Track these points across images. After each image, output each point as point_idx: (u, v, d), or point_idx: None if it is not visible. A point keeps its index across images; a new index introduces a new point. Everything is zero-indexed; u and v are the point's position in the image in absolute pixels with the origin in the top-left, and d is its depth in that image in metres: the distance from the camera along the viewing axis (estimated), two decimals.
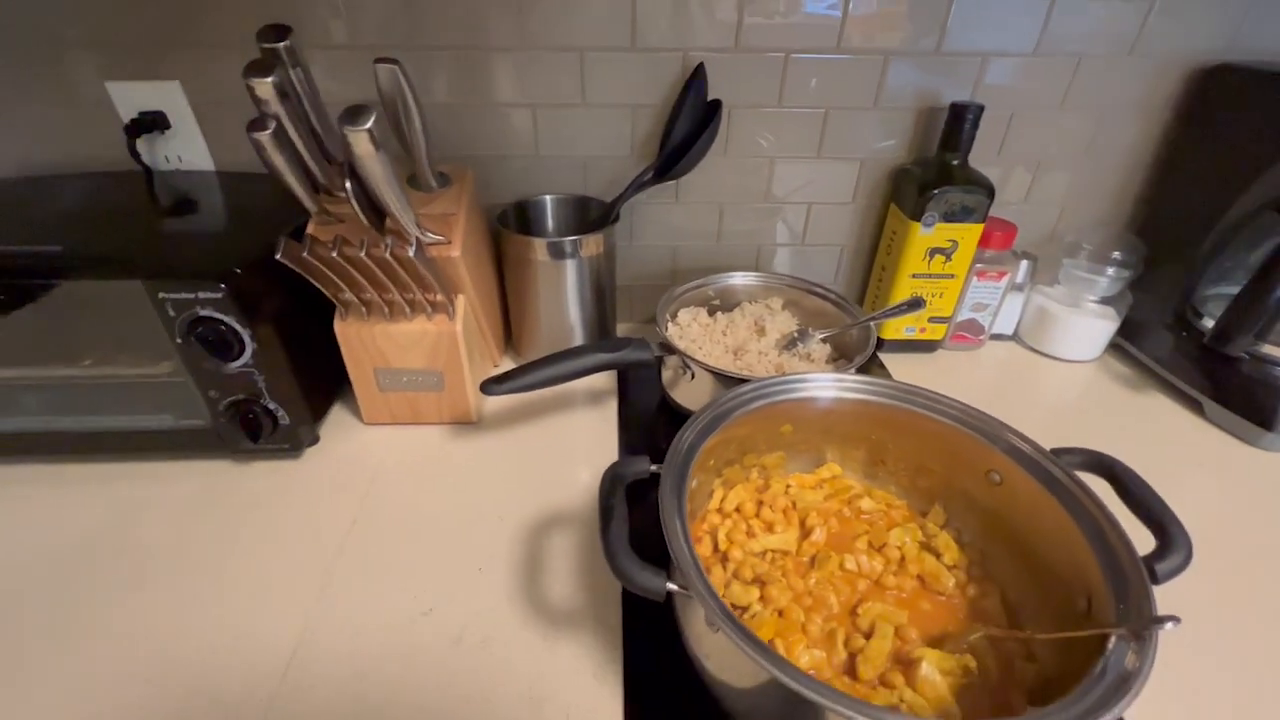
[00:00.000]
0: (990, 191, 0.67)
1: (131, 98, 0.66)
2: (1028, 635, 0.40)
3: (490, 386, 0.55)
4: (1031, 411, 0.68)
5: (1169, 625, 0.30)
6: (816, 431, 0.53)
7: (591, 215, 0.73)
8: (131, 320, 0.51)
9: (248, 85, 0.44)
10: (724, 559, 0.48)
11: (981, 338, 0.79)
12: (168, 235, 0.58)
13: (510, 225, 0.69)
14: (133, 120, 0.66)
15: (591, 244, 0.67)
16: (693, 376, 0.61)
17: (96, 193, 0.64)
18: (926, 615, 0.45)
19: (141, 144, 0.67)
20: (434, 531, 0.54)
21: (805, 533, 0.50)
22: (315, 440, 0.62)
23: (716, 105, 0.67)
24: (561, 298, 0.69)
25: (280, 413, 0.56)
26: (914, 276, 0.72)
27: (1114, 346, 0.79)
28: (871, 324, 0.64)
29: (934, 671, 0.39)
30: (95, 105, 0.67)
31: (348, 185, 0.47)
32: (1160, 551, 0.37)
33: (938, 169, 0.68)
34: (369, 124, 0.43)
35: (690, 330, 0.69)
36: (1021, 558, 0.45)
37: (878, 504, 0.52)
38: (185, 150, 0.70)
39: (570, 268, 0.68)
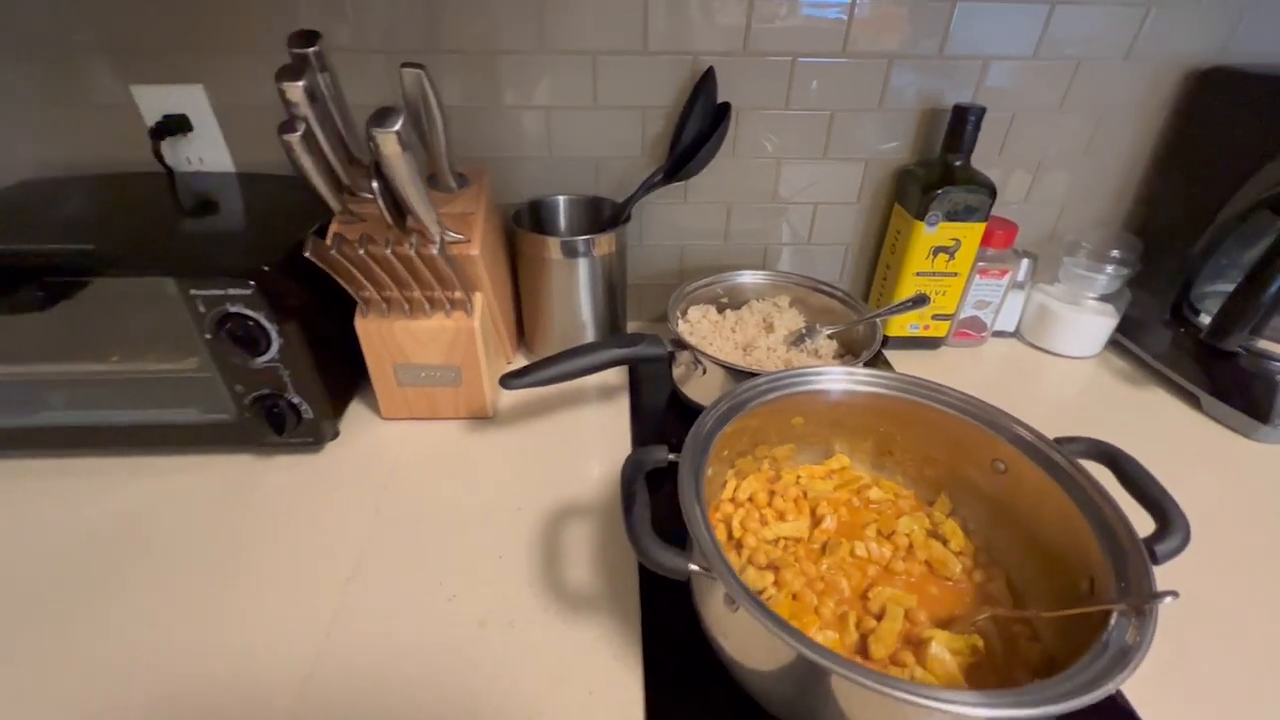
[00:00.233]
0: (992, 191, 0.69)
1: (155, 101, 0.68)
2: (1033, 614, 0.42)
3: (509, 381, 0.57)
4: (1034, 406, 0.70)
5: (1168, 600, 0.32)
6: (826, 424, 0.55)
7: (603, 215, 0.75)
8: (160, 317, 0.53)
9: (279, 89, 0.46)
10: (738, 546, 0.49)
11: (984, 335, 0.81)
12: (195, 234, 0.60)
13: (525, 224, 0.70)
14: (157, 123, 0.67)
15: (604, 243, 0.69)
16: (704, 372, 0.63)
17: (121, 193, 0.66)
18: (934, 599, 0.46)
19: (164, 146, 0.69)
20: (454, 521, 0.55)
21: (816, 521, 0.51)
22: (336, 435, 0.64)
23: (726, 108, 0.68)
24: (574, 295, 0.71)
25: (304, 407, 0.58)
26: (918, 275, 0.74)
27: (1113, 343, 0.80)
28: (877, 320, 0.66)
29: (943, 651, 0.41)
30: (116, 108, 0.69)
31: (374, 185, 0.49)
32: (1159, 533, 0.39)
33: (941, 169, 0.70)
34: (397, 126, 0.44)
35: (700, 327, 0.70)
36: (1026, 543, 0.46)
37: (886, 494, 0.54)
38: (206, 152, 0.71)
39: (583, 266, 0.69)
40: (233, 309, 0.51)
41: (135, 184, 0.68)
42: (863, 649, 0.42)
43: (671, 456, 0.44)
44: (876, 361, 0.76)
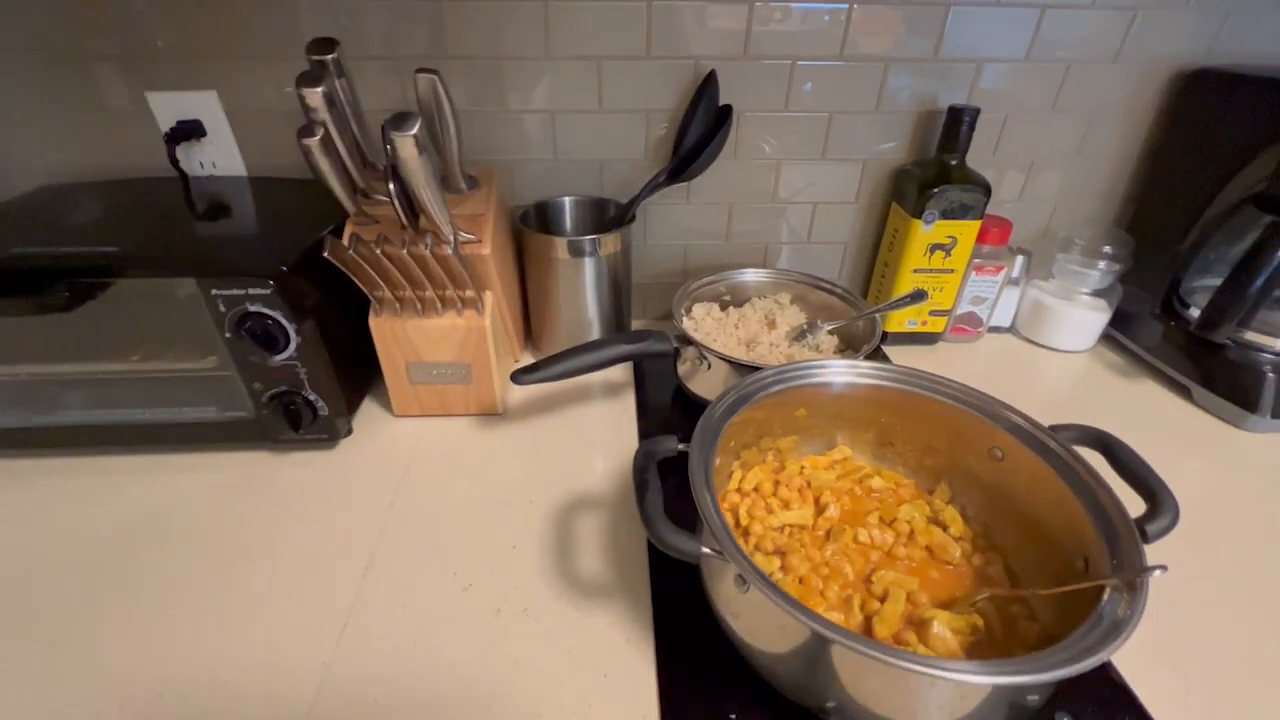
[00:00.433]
0: (987, 190, 0.71)
1: (170, 107, 0.70)
2: (1030, 593, 0.44)
3: (520, 376, 0.59)
4: (1029, 399, 0.71)
5: (1157, 573, 0.34)
6: (828, 416, 0.57)
7: (608, 216, 0.77)
8: (180, 317, 0.55)
9: (299, 94, 0.47)
10: (745, 534, 0.51)
11: (980, 330, 0.83)
12: (214, 236, 0.62)
13: (532, 225, 0.72)
14: (172, 129, 0.69)
15: (609, 243, 0.70)
16: (709, 367, 0.64)
17: (138, 198, 0.67)
18: (935, 582, 0.48)
19: (179, 151, 0.70)
20: (467, 514, 0.57)
21: (820, 509, 0.53)
22: (349, 431, 0.65)
23: (727, 110, 0.70)
24: (580, 294, 0.73)
25: (320, 403, 0.59)
26: (915, 272, 0.76)
27: (1106, 337, 0.82)
28: (876, 316, 0.68)
29: (945, 630, 0.42)
30: (131, 115, 0.70)
31: (390, 186, 0.51)
32: (1150, 514, 0.40)
33: (937, 169, 0.72)
34: (414, 130, 0.46)
35: (704, 324, 0.72)
36: (1023, 527, 0.48)
37: (887, 483, 0.56)
38: (220, 157, 0.73)
39: (589, 265, 0.71)
40: (252, 308, 0.53)
41: (151, 188, 0.70)
42: (867, 629, 0.44)
43: (681, 446, 0.46)
44: (876, 357, 0.77)
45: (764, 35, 0.69)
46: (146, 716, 0.41)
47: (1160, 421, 0.70)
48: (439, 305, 0.61)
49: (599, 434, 0.67)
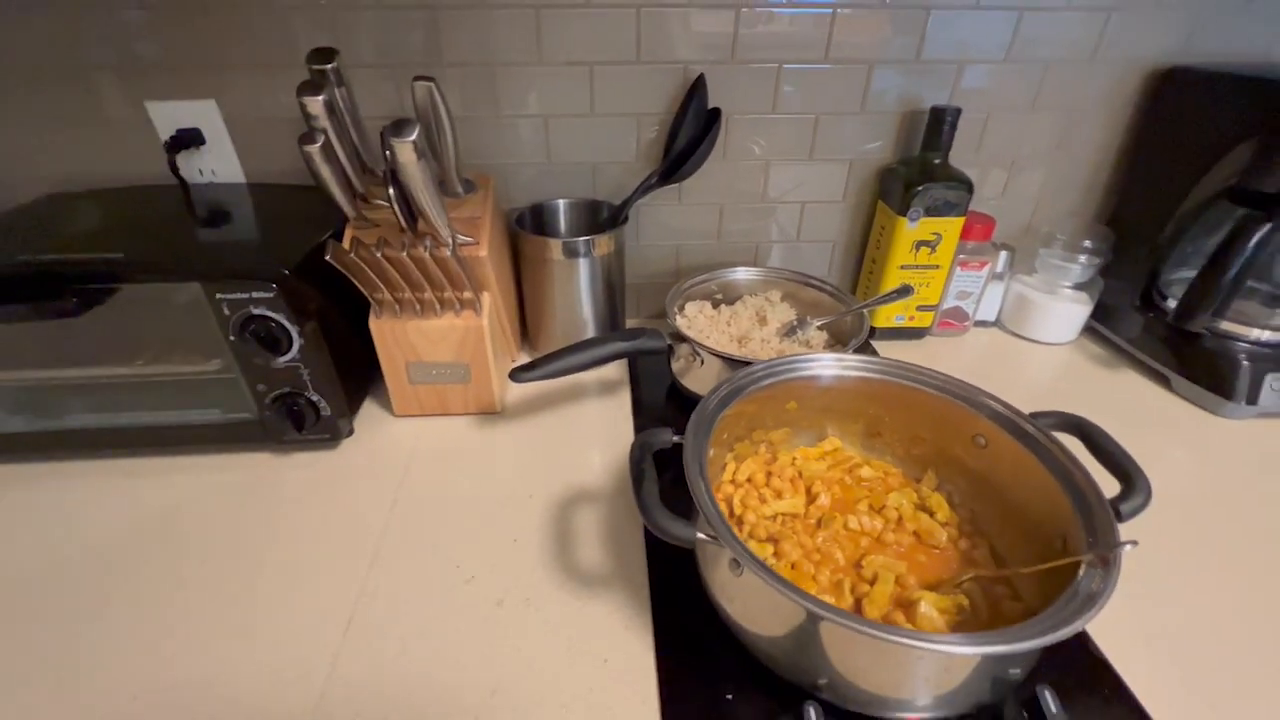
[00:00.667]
0: (969, 187, 0.73)
1: (169, 116, 0.71)
2: (1011, 572, 0.45)
3: (519, 374, 0.60)
4: (1015, 390, 0.72)
5: (1128, 547, 0.36)
6: (818, 408, 0.58)
7: (602, 217, 0.78)
8: (186, 321, 0.56)
9: (300, 102, 0.49)
10: (739, 523, 0.52)
11: (966, 324, 0.85)
12: (217, 242, 0.63)
13: (527, 227, 0.74)
14: (171, 137, 0.70)
15: (603, 243, 0.72)
16: (702, 363, 0.66)
17: (140, 206, 0.69)
18: (923, 566, 0.50)
19: (178, 159, 0.71)
20: (469, 509, 0.58)
21: (811, 498, 0.55)
22: (351, 432, 0.66)
23: (716, 113, 0.72)
24: (575, 294, 0.74)
25: (322, 404, 0.61)
26: (902, 268, 0.78)
27: (1088, 329, 0.84)
28: (864, 311, 0.70)
29: (932, 610, 0.44)
30: (130, 124, 0.71)
31: (389, 191, 0.52)
32: (1124, 494, 0.42)
33: (921, 167, 0.74)
34: (413, 135, 0.47)
35: (697, 321, 0.74)
36: (1007, 512, 0.50)
37: (876, 472, 0.57)
38: (219, 164, 0.74)
39: (583, 266, 0.73)
40: (256, 311, 0.54)
41: (152, 196, 0.71)
42: (857, 611, 0.45)
43: (676, 438, 0.47)
44: (864, 351, 0.79)
45: (751, 39, 0.71)
46: (160, 709, 0.43)
47: (1141, 410, 0.72)
48: (438, 306, 0.62)
49: (596, 431, 0.69)
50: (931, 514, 0.53)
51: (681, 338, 0.66)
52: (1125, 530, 0.39)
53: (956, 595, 0.46)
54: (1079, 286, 0.82)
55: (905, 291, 0.71)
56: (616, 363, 0.79)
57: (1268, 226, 0.62)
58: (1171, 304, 0.74)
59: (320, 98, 0.49)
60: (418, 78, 0.53)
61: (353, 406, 0.67)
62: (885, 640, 0.33)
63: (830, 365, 0.55)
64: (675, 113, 0.74)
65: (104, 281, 0.53)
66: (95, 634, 0.47)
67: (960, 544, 0.51)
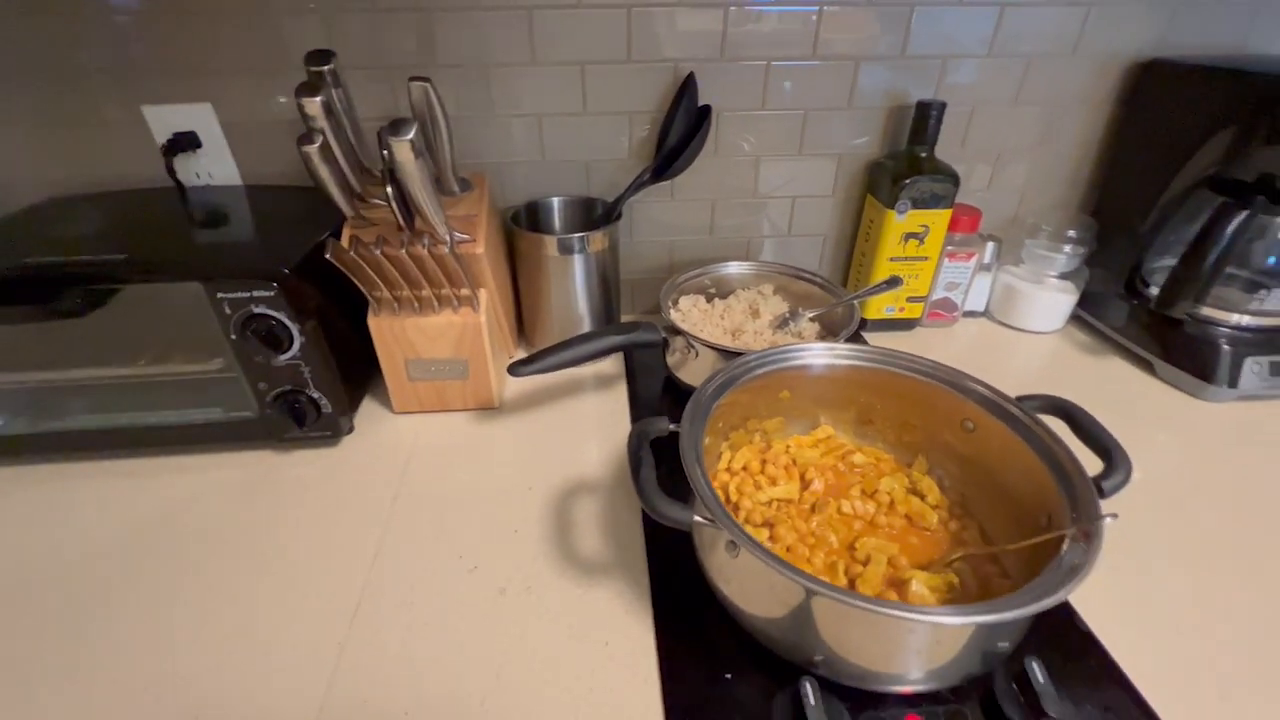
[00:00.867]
0: (956, 179, 0.74)
1: (166, 120, 0.71)
2: (1000, 549, 0.47)
3: (518, 368, 0.61)
4: (1004, 378, 0.73)
5: (1109, 520, 0.37)
6: (811, 397, 0.60)
7: (596, 214, 0.79)
8: (187, 320, 0.57)
9: (298, 104, 0.50)
10: (735, 509, 0.54)
11: (955, 314, 0.86)
12: (216, 242, 0.64)
13: (522, 224, 0.75)
14: (168, 141, 0.71)
15: (597, 240, 0.73)
16: (697, 355, 0.67)
17: (138, 209, 0.69)
18: (915, 548, 0.51)
19: (175, 162, 0.72)
20: (470, 502, 0.59)
21: (805, 484, 0.56)
22: (351, 429, 0.67)
23: (707, 110, 0.73)
24: (571, 290, 0.75)
25: (323, 401, 0.61)
26: (891, 260, 0.79)
27: (1074, 317, 0.86)
28: (855, 302, 0.71)
29: (923, 588, 0.45)
30: (126, 128, 0.72)
31: (388, 189, 0.53)
32: (1106, 471, 0.43)
33: (908, 161, 0.75)
34: (410, 134, 0.48)
35: (691, 315, 0.75)
36: (995, 493, 0.51)
37: (868, 458, 0.59)
38: (215, 167, 0.75)
39: (578, 262, 0.74)
40: (257, 310, 0.55)
41: (149, 200, 0.71)
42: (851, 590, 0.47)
43: (672, 426, 0.48)
44: (855, 342, 0.81)
45: (739, 37, 0.72)
46: (169, 702, 0.43)
47: (1126, 394, 0.74)
48: (436, 304, 0.63)
49: (593, 425, 0.70)
50: (922, 497, 0.54)
51: (676, 330, 0.67)
52: (1111, 508, 0.40)
53: (947, 574, 0.47)
54: (1065, 276, 0.83)
55: (894, 283, 0.72)
56: (612, 358, 0.80)
57: (1244, 214, 0.64)
58: (1154, 291, 0.76)
59: (318, 99, 0.50)
60: (414, 78, 0.54)
61: (353, 404, 0.68)
62: (878, 613, 0.34)
63: (822, 354, 0.57)
64: (666, 110, 0.75)
65: (109, 281, 0.54)
66: (101, 632, 0.48)
67: (950, 526, 0.53)
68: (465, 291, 0.63)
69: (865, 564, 0.48)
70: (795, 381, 0.57)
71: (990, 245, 0.83)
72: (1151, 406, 0.72)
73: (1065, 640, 0.46)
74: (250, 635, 0.48)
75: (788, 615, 0.41)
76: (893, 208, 0.76)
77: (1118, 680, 0.43)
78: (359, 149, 0.60)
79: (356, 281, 0.59)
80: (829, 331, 0.74)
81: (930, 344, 0.84)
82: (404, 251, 0.56)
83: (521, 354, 0.81)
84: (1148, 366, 0.77)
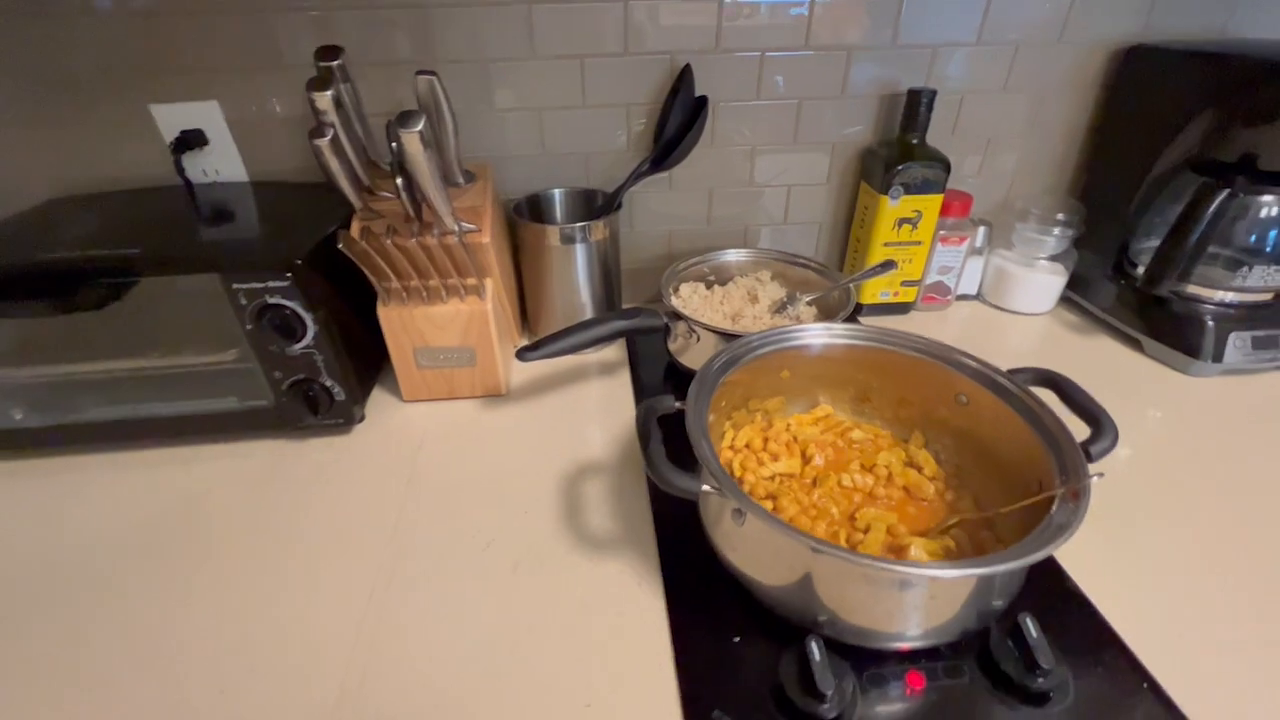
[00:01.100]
0: (947, 165, 0.76)
1: (173, 118, 0.73)
2: (994, 513, 0.49)
3: (525, 354, 0.63)
4: (997, 359, 0.75)
5: (1095, 479, 0.39)
6: (810, 376, 0.62)
7: (596, 205, 0.81)
8: (202, 312, 0.58)
9: (309, 98, 0.51)
10: (739, 484, 0.55)
11: (949, 298, 0.88)
12: (228, 236, 0.65)
13: (524, 215, 0.76)
14: (176, 139, 0.72)
15: (598, 229, 0.75)
16: (698, 339, 0.69)
17: (148, 206, 0.71)
18: (912, 517, 0.53)
19: (183, 160, 0.73)
20: (481, 484, 0.61)
21: (806, 460, 0.58)
22: (363, 417, 0.69)
23: (703, 101, 0.75)
24: (573, 279, 0.77)
25: (336, 389, 0.63)
26: (885, 245, 0.81)
27: (1065, 299, 0.88)
28: (851, 285, 0.73)
29: (921, 553, 0.47)
30: (134, 127, 0.73)
31: (397, 180, 0.55)
32: (1093, 437, 0.46)
33: (900, 148, 0.77)
34: (419, 126, 0.50)
35: (691, 301, 0.77)
36: (989, 463, 0.53)
37: (867, 435, 0.61)
38: (222, 164, 0.76)
39: (580, 252, 0.75)
40: (271, 300, 0.56)
41: (159, 197, 0.73)
42: None
43: (678, 404, 0.50)
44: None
45: (734, 29, 0.74)
46: (194, 682, 0.45)
47: (1116, 371, 0.76)
48: (443, 293, 0.65)
49: (598, 410, 0.72)
50: (919, 469, 0.56)
51: (678, 315, 0.69)
52: (1100, 472, 0.42)
53: (944, 539, 0.49)
54: (1054, 258, 0.85)
55: (888, 266, 0.74)
56: (616, 345, 0.82)
57: (1225, 193, 0.66)
58: (1141, 271, 0.78)
59: (328, 93, 0.51)
60: (420, 72, 0.56)
61: (364, 393, 0.70)
62: (879, 569, 0.36)
63: (820, 334, 0.59)
64: (663, 102, 0.76)
65: (125, 275, 0.55)
66: (126, 616, 0.49)
67: (946, 496, 0.55)
68: (472, 281, 0.64)
69: (866, 532, 0.50)
70: (795, 361, 0.59)
71: (981, 229, 0.85)
72: (1140, 382, 0.74)
73: (1057, 599, 0.48)
74: (272, 615, 0.49)
75: (792, 577, 0.43)
76: (886, 193, 0.77)
77: (1107, 634, 0.45)
78: (367, 143, 0.61)
79: (366, 271, 0.61)
80: (826, 315, 0.76)
81: (925, 327, 0.84)
82: (413, 241, 0.57)
83: (526, 342, 0.82)
84: (1136, 344, 0.79)
